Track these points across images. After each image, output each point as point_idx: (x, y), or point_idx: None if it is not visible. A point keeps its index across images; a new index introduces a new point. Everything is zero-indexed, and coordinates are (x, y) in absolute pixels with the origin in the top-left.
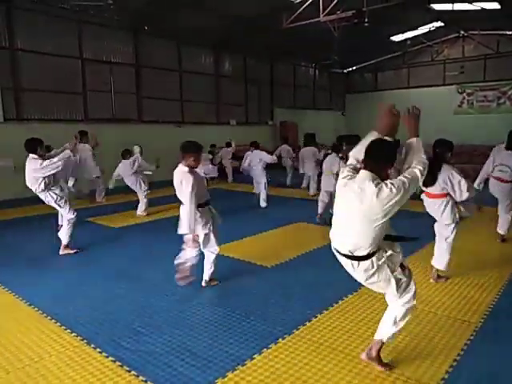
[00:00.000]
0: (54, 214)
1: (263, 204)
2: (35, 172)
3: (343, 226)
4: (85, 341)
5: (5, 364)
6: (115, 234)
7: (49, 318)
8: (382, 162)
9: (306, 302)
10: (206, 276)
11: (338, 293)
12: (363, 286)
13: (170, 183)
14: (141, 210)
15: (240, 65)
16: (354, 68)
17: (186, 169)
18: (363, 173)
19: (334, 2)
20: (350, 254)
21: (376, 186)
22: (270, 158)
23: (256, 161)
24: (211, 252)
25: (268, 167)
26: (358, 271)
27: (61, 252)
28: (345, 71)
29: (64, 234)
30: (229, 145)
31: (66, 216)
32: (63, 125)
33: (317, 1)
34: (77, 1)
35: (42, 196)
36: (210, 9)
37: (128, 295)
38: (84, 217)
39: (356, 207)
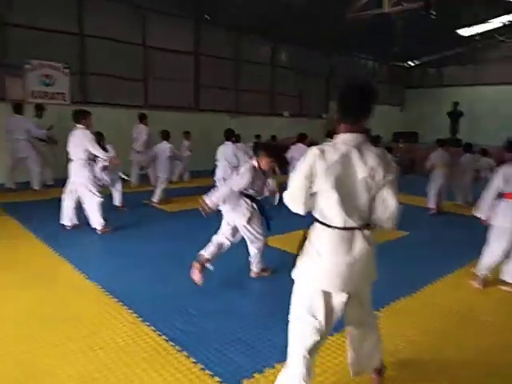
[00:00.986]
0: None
1: None
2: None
3: None
4: (140, 318)
5: (68, 333)
6: (171, 217)
7: (107, 293)
8: None
9: None
10: (254, 267)
11: (394, 294)
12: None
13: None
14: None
15: (297, 56)
16: (417, 62)
17: (253, 165)
18: None
19: None
20: None
21: None
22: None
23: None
24: (253, 247)
25: None
26: None
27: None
28: (406, 65)
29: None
30: (274, 138)
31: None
32: (125, 110)
33: None
34: None
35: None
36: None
37: (181, 278)
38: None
39: None
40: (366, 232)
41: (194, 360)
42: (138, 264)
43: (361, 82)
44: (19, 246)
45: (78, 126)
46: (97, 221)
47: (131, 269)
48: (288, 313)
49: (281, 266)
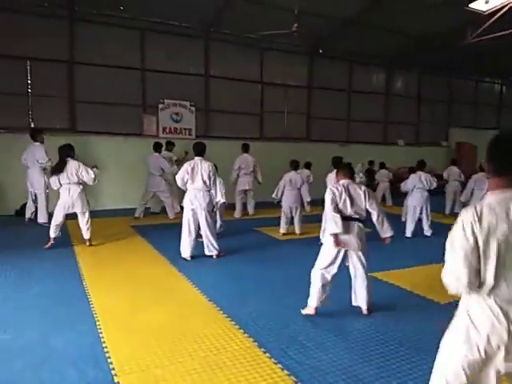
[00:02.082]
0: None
1: (427, 232)
2: None
3: None
4: (256, 343)
5: (191, 351)
6: (282, 244)
7: (225, 315)
8: None
9: None
10: (363, 304)
11: None
12: None
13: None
14: None
15: (413, 83)
16: None
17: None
18: None
19: None
20: None
21: None
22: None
23: (416, 184)
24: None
25: (430, 192)
26: None
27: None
28: None
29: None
30: (383, 165)
31: None
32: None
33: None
34: (265, 30)
35: None
36: (385, 30)
37: (296, 306)
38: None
39: None
40: None
41: None
42: (254, 288)
43: None
44: (150, 265)
45: (196, 157)
46: (215, 246)
47: (248, 293)
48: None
49: (396, 302)
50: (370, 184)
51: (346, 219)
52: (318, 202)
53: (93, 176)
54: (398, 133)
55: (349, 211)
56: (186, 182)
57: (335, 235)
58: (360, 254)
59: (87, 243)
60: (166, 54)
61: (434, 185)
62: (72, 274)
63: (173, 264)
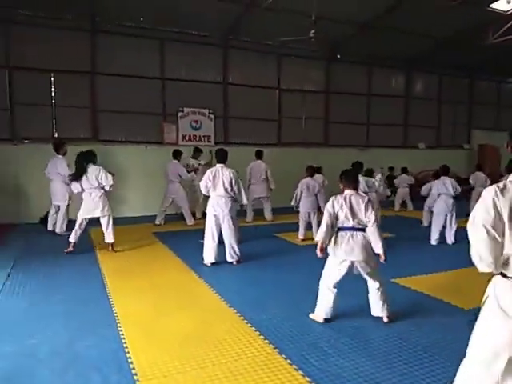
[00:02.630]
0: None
1: (449, 241)
2: None
3: None
4: (276, 349)
5: (212, 357)
6: (300, 249)
7: (245, 321)
8: None
9: None
10: (381, 313)
11: None
12: None
13: None
14: None
15: (433, 84)
16: None
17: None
18: None
19: None
20: None
21: None
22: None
23: (440, 190)
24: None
25: (456, 198)
26: None
27: None
28: None
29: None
30: (405, 170)
31: None
32: (261, 148)
33: None
34: (283, 37)
35: None
36: (404, 32)
37: (310, 309)
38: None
39: None
40: None
41: None
42: (273, 293)
43: None
44: (171, 270)
45: (218, 164)
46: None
47: (267, 298)
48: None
49: (419, 309)
50: (391, 190)
51: (349, 229)
52: None
53: (111, 182)
54: (418, 136)
55: (351, 222)
56: (209, 189)
57: (321, 243)
58: (364, 264)
59: (109, 248)
60: (185, 63)
61: (459, 190)
62: (95, 279)
63: (193, 270)
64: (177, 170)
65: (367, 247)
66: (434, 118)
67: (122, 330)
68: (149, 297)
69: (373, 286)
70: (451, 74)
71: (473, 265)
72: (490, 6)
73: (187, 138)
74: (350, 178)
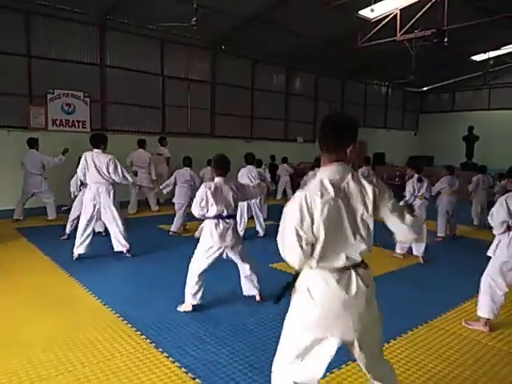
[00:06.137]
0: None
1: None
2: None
3: None
4: (153, 344)
5: (81, 358)
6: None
7: (121, 318)
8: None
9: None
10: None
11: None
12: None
13: None
14: None
15: (311, 83)
16: (430, 87)
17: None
18: None
19: (412, 20)
20: None
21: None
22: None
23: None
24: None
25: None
26: None
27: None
28: (420, 90)
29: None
30: (285, 160)
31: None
32: (144, 136)
33: (394, 19)
34: (163, 22)
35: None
36: (286, 31)
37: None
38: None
39: None
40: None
41: None
42: (150, 288)
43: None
44: (36, 269)
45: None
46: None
47: (145, 293)
48: None
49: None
50: (273, 177)
51: (218, 218)
52: None
53: None
54: (297, 130)
55: (218, 208)
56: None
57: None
58: (234, 250)
59: None
60: (56, 41)
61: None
62: None
63: (63, 268)
64: (38, 161)
65: (235, 234)
66: (311, 114)
67: None
68: (10, 301)
69: (244, 268)
70: (327, 74)
71: None
72: (359, 12)
73: (58, 123)
74: (219, 163)
